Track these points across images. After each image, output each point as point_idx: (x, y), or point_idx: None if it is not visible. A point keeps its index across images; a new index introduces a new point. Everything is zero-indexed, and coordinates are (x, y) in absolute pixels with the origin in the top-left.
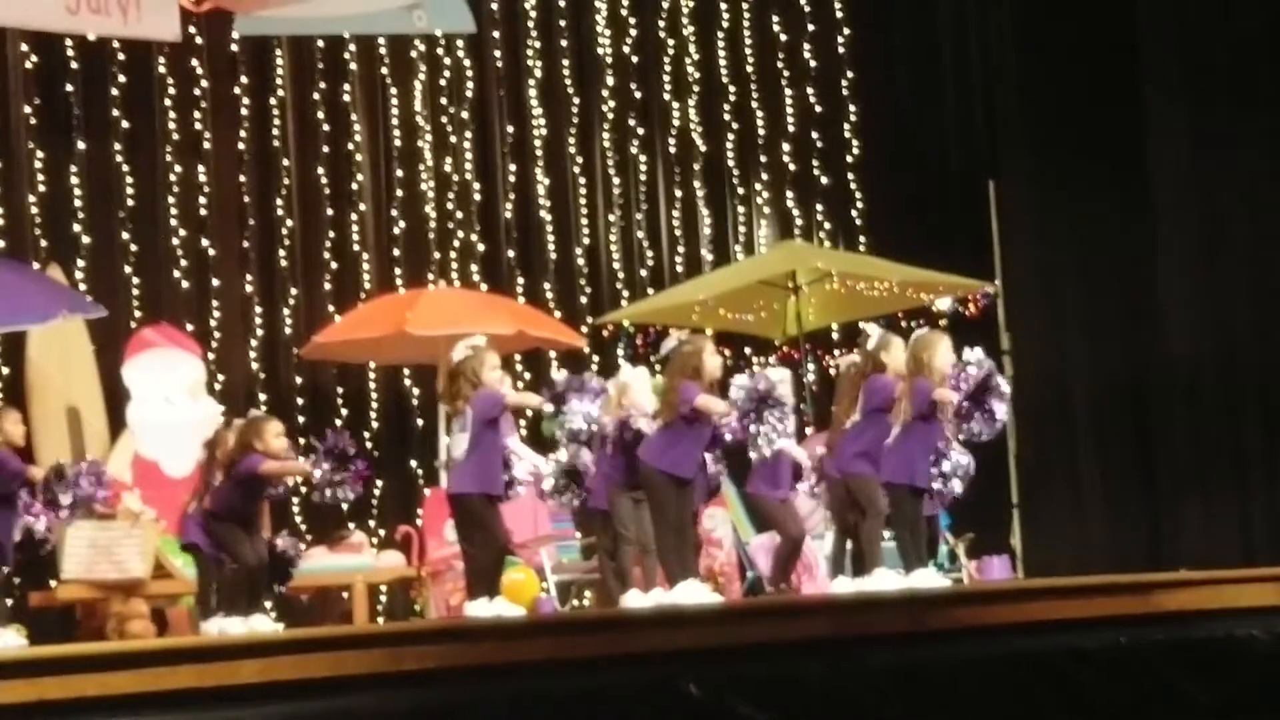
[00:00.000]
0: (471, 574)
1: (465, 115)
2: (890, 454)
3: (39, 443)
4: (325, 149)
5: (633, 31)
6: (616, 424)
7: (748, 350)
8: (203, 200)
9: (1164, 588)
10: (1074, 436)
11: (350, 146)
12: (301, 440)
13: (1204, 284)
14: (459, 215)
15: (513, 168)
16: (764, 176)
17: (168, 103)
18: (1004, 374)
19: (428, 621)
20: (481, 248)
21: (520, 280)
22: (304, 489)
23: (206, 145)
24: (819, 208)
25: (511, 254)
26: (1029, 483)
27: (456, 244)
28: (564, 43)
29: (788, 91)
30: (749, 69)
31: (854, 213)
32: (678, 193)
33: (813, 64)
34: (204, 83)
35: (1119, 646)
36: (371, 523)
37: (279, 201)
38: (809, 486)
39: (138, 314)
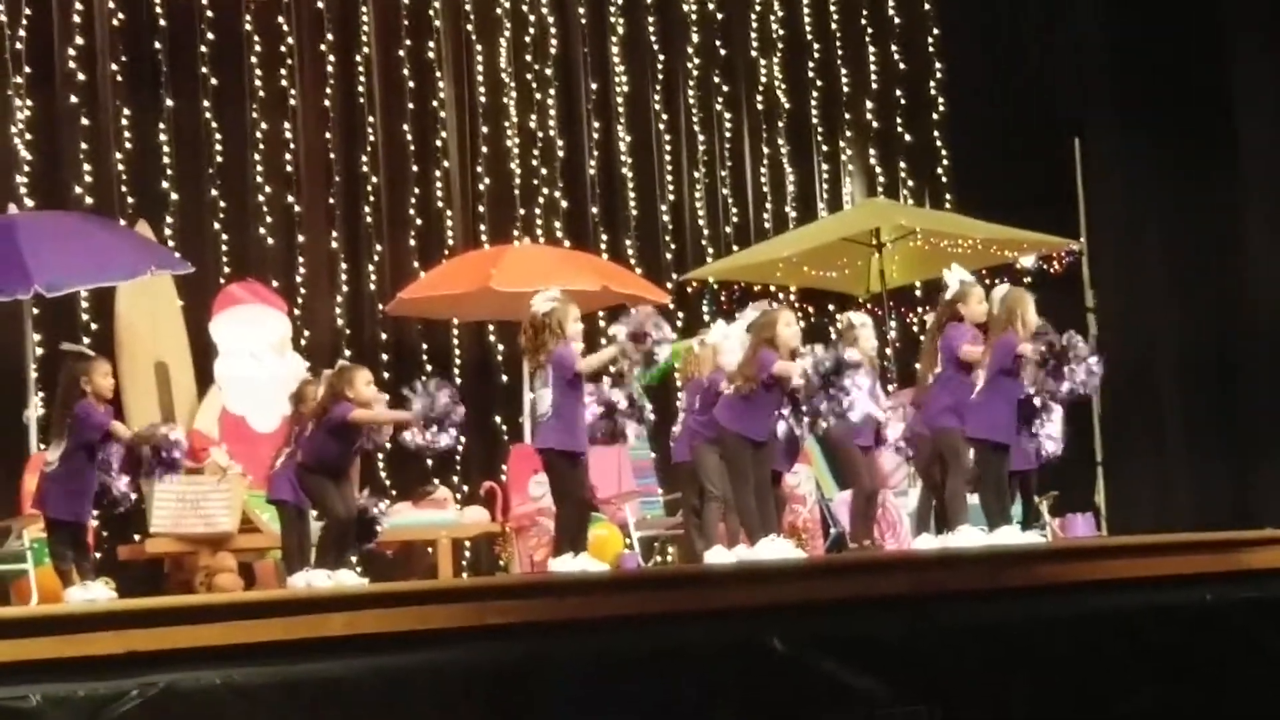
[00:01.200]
0: (558, 529)
1: (549, 72)
2: (974, 409)
3: (127, 399)
4: (410, 106)
5: None
6: (705, 382)
7: (831, 307)
8: (288, 157)
9: (1251, 545)
10: (1158, 394)
11: (435, 103)
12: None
13: None
14: (543, 172)
15: (596, 124)
16: (848, 134)
17: (254, 60)
18: (1088, 332)
19: (512, 576)
20: (565, 204)
21: (604, 237)
22: (398, 439)
23: (292, 102)
24: (903, 165)
25: (595, 210)
26: (1113, 441)
27: (541, 200)
28: None
29: (872, 49)
30: (833, 26)
31: (938, 170)
32: (763, 150)
33: (897, 21)
34: (290, 40)
35: (1204, 604)
36: (456, 478)
37: (364, 158)
38: (894, 441)
39: (225, 270)
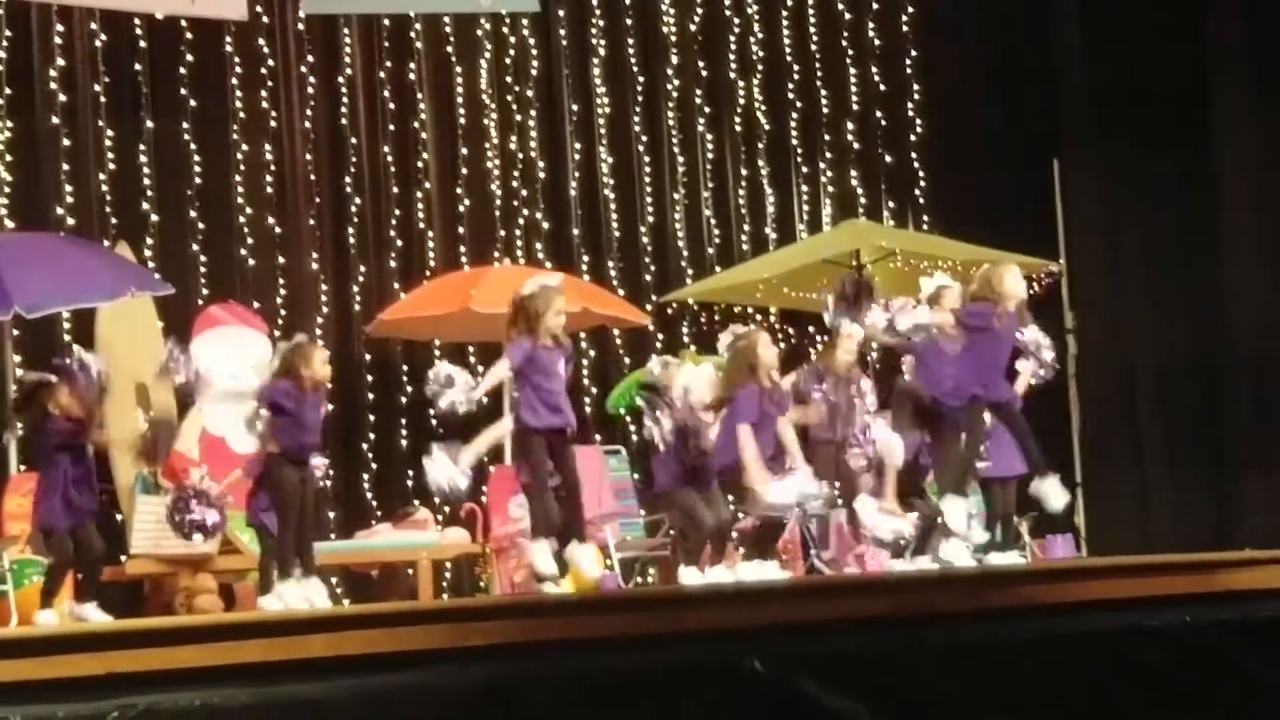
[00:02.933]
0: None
1: (530, 94)
2: (950, 376)
3: (108, 419)
4: (391, 127)
5: (698, 9)
6: (678, 426)
7: (811, 328)
8: (269, 179)
9: (1230, 566)
10: (1138, 415)
11: (416, 125)
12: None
13: (1270, 263)
14: (524, 193)
15: (578, 146)
16: (828, 155)
17: (235, 82)
18: (1068, 353)
19: (493, 597)
20: (546, 225)
21: (585, 258)
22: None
23: (274, 124)
24: (883, 186)
25: (576, 232)
26: (1093, 462)
27: (521, 222)
28: (629, 21)
29: (851, 70)
30: (813, 47)
31: (917, 192)
32: (743, 171)
33: (877, 42)
34: (271, 62)
35: (1184, 626)
36: (436, 500)
37: (346, 180)
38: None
39: (205, 291)
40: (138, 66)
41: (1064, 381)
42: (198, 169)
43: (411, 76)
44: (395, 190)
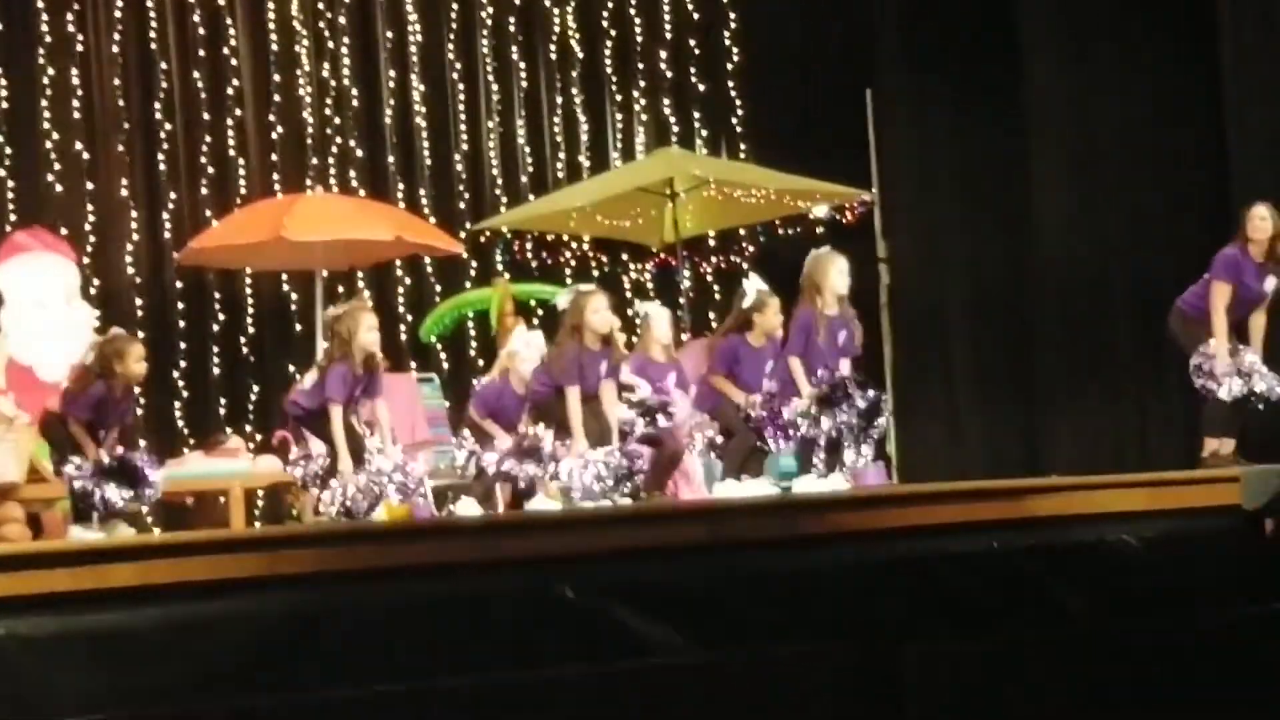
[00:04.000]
0: None
1: (343, 20)
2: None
3: None
4: (202, 53)
5: None
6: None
7: (625, 256)
8: (76, 104)
9: (1036, 493)
10: (949, 345)
11: (226, 51)
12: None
13: (1077, 194)
14: (337, 121)
15: (392, 74)
16: (642, 84)
17: (41, 4)
18: (880, 281)
19: (303, 526)
20: (360, 154)
21: (399, 186)
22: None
23: (80, 48)
24: (697, 115)
25: (391, 160)
26: (904, 390)
27: (335, 150)
28: None
29: None
30: None
31: (733, 120)
32: (557, 99)
33: None
34: None
35: (991, 551)
36: (248, 428)
37: (156, 106)
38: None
39: (11, 217)
40: None
41: (875, 310)
42: (3, 92)
43: (222, 1)
44: (206, 117)
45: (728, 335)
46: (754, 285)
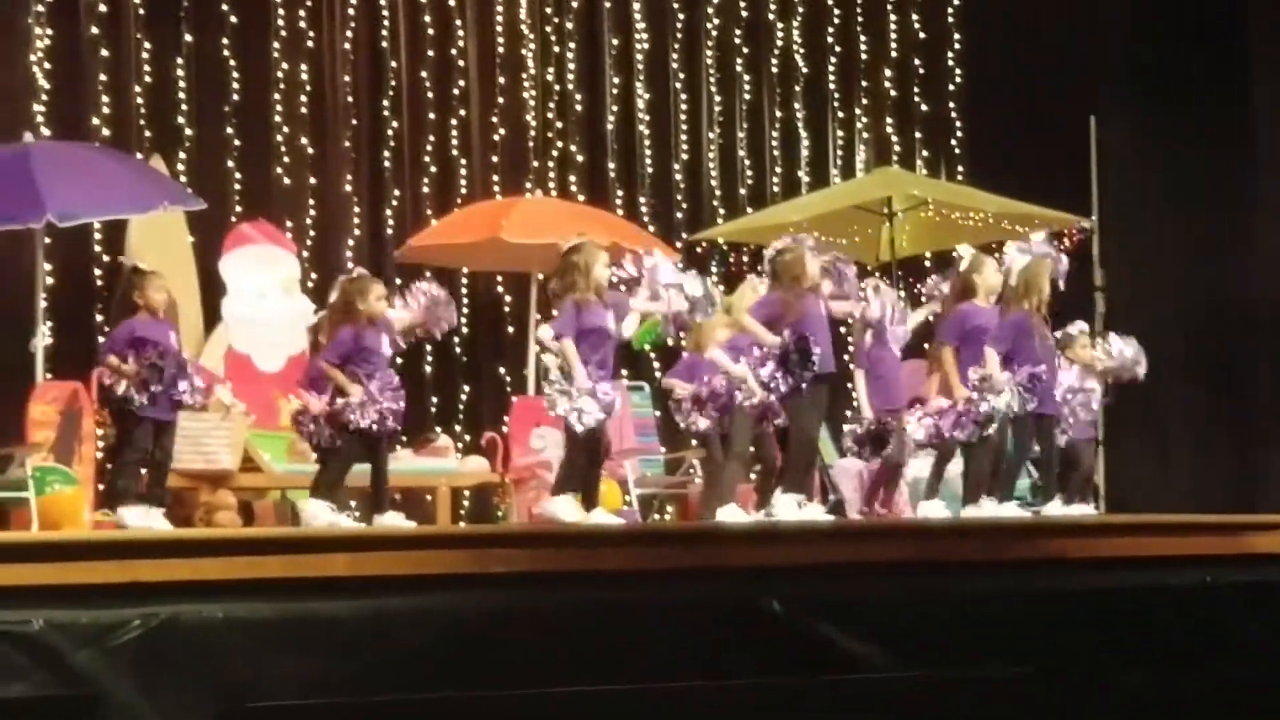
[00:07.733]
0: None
1: (570, 26)
2: None
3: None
4: (431, 53)
5: None
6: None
7: None
8: (306, 98)
9: (1250, 530)
10: (1162, 375)
11: (454, 52)
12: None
13: None
14: (559, 125)
15: (616, 80)
16: (864, 101)
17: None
18: (1095, 310)
19: (515, 525)
20: (580, 159)
21: (619, 193)
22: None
23: (312, 43)
24: (918, 135)
25: (611, 166)
26: (1114, 420)
27: (556, 154)
28: None
29: (892, 16)
30: None
31: (953, 142)
32: (778, 113)
33: None
34: None
35: (1203, 585)
36: (458, 428)
37: (384, 103)
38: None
39: (238, 209)
40: None
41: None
42: (235, 85)
43: (453, 2)
44: (432, 116)
45: (958, 300)
46: (967, 249)
